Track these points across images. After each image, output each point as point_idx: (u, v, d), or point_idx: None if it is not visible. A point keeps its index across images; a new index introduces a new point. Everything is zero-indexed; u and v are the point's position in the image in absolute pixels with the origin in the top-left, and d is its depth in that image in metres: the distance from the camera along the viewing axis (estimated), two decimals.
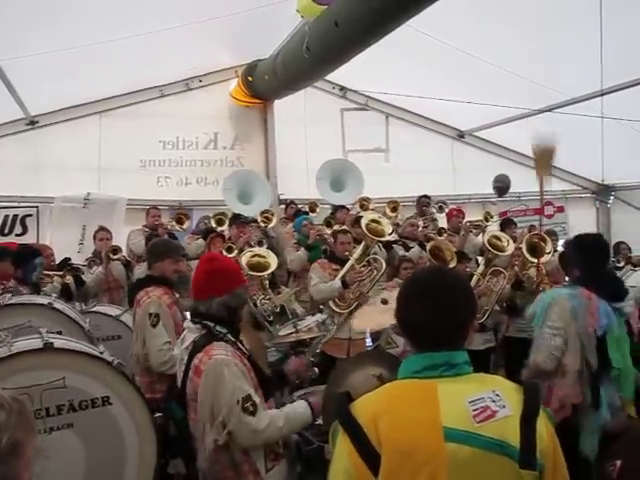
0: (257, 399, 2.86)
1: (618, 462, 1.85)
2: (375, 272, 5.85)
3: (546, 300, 3.85)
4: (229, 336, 3.03)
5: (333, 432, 1.82)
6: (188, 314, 3.43)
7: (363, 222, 6.09)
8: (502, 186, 8.77)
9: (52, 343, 2.94)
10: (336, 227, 7.46)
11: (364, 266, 5.86)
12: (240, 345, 3.08)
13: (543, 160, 5.78)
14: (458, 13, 7.04)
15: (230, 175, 8.88)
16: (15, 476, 1.29)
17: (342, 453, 1.72)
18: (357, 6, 5.58)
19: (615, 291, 3.86)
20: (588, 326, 3.63)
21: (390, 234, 6.26)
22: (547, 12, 6.95)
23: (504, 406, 1.71)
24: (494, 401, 1.71)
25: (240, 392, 2.80)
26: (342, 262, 5.93)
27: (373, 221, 6.20)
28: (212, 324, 3.04)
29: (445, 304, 1.83)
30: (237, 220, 7.35)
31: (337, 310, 5.67)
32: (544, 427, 1.73)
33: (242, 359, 2.97)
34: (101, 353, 3.19)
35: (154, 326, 4.16)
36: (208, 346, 2.92)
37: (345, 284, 5.69)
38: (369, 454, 1.67)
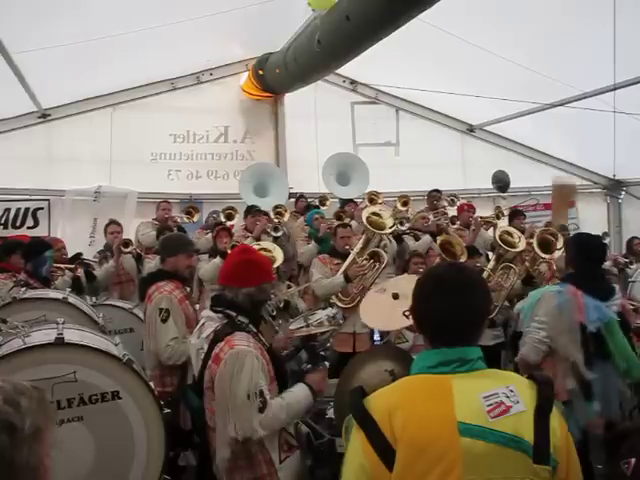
0: (268, 395, 2.89)
1: (632, 460, 1.85)
2: (377, 265, 5.87)
3: (534, 298, 3.98)
4: (251, 327, 3.07)
5: (347, 426, 1.82)
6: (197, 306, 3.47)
7: (364, 215, 6.11)
8: (501, 184, 8.76)
9: (63, 337, 2.98)
10: (346, 221, 7.46)
11: (366, 259, 5.88)
12: (260, 337, 3.10)
13: (562, 201, 5.78)
14: (469, 7, 7.02)
15: (248, 167, 8.92)
16: (38, 461, 1.31)
17: (357, 448, 1.73)
18: (369, 0, 5.57)
19: (602, 292, 3.94)
20: (574, 321, 3.71)
21: (391, 227, 6.28)
22: (559, 5, 6.91)
23: (518, 401, 1.72)
24: (508, 397, 1.72)
25: (255, 387, 2.84)
26: (343, 257, 5.95)
27: (374, 214, 6.22)
28: (234, 314, 3.08)
29: (461, 300, 1.83)
30: (252, 210, 7.37)
31: (341, 305, 5.68)
32: (557, 423, 1.74)
33: (262, 351, 3.00)
34: (116, 345, 3.21)
35: (164, 321, 4.19)
36: (230, 336, 2.96)
37: (348, 278, 5.71)
38: (384, 449, 1.68)
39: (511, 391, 1.73)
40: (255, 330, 3.12)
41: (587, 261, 4.01)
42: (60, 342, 2.94)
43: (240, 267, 3.18)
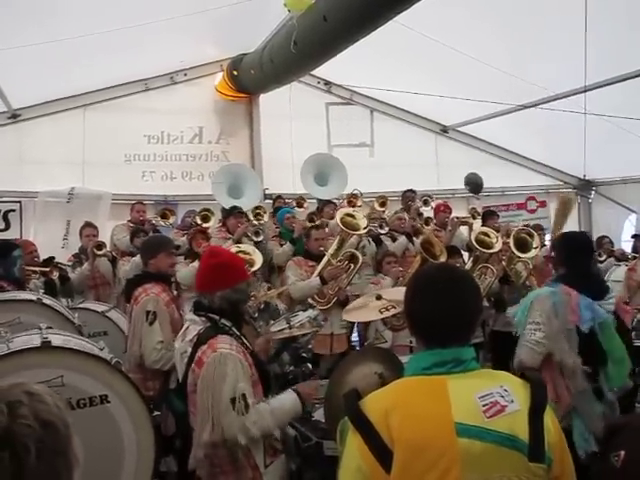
0: (251, 399, 2.87)
1: (622, 452, 1.88)
2: (352, 266, 5.89)
3: (528, 300, 3.85)
4: (234, 329, 3.06)
5: (342, 430, 1.82)
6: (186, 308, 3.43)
7: (338, 216, 6.14)
8: (473, 184, 8.84)
9: (50, 341, 2.93)
10: (318, 223, 7.47)
11: (341, 260, 5.90)
12: (244, 339, 3.09)
13: (562, 215, 5.84)
14: (443, 8, 7.05)
15: (220, 169, 8.86)
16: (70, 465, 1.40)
17: (353, 451, 1.73)
18: (346, 1, 5.59)
19: (597, 290, 3.85)
20: (568, 322, 3.62)
21: (365, 228, 6.30)
22: (531, 8, 6.99)
23: (512, 401, 1.74)
24: (503, 396, 1.74)
25: (237, 390, 2.82)
26: (317, 258, 5.97)
27: (348, 215, 6.25)
28: (217, 317, 3.06)
29: (454, 300, 1.85)
30: (234, 211, 7.33)
31: (317, 307, 5.67)
32: (551, 421, 1.77)
33: (245, 354, 2.99)
34: (101, 349, 3.17)
35: (150, 324, 4.17)
36: (213, 339, 2.94)
37: (324, 280, 5.72)
38: (381, 451, 1.69)
39: (505, 390, 1.76)
40: (238, 333, 3.10)
41: (578, 258, 3.90)
42: (47, 345, 2.89)
43: (210, 271, 3.15)
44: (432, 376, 1.80)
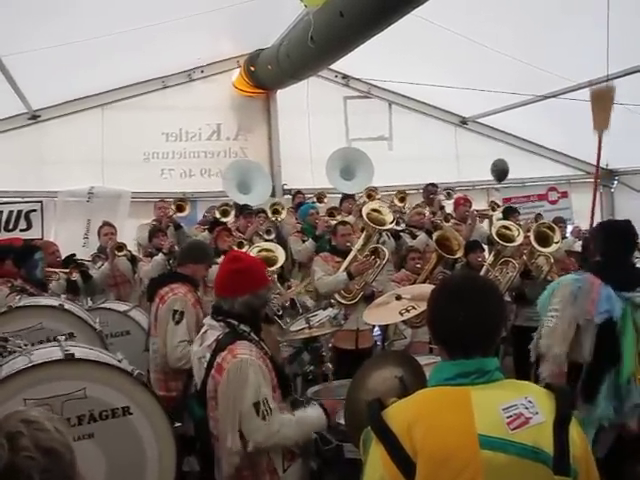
0: (273, 404, 2.86)
1: None
2: (379, 261, 5.87)
3: (551, 288, 3.73)
4: (253, 335, 3.05)
5: (365, 440, 1.81)
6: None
7: (364, 211, 6.11)
8: (499, 171, 8.69)
9: (73, 354, 2.94)
10: (339, 217, 7.46)
11: (367, 256, 5.88)
12: (263, 345, 3.08)
13: (601, 106, 5.40)
14: (461, 0, 6.98)
15: (230, 165, 8.89)
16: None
17: (377, 461, 1.72)
18: None
19: (626, 279, 3.62)
20: (585, 312, 3.47)
21: (391, 223, 6.28)
22: None
23: (537, 412, 1.71)
24: (527, 408, 1.71)
25: (259, 395, 2.81)
26: (344, 254, 5.95)
27: (374, 210, 6.23)
28: (236, 322, 3.05)
29: (478, 310, 1.83)
30: (244, 211, 7.34)
31: (343, 302, 5.71)
32: (576, 433, 1.74)
33: (265, 359, 2.98)
34: (119, 361, 3.18)
35: (177, 323, 4.21)
36: (232, 345, 2.93)
37: (350, 275, 5.71)
38: (404, 462, 1.67)
39: (530, 402, 1.73)
40: (257, 338, 3.09)
41: (613, 246, 3.71)
42: (70, 358, 2.90)
43: (232, 277, 3.13)
44: (455, 387, 1.78)
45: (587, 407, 3.46)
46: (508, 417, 1.68)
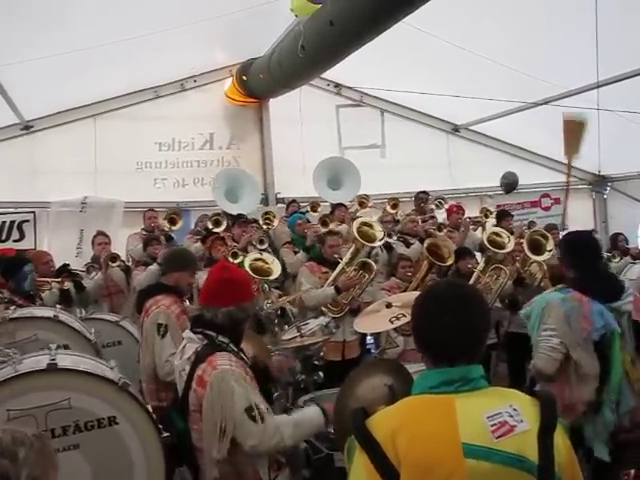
0: (263, 406, 2.85)
1: (632, 471, 1.85)
2: (367, 276, 5.87)
3: (541, 304, 3.74)
4: (231, 346, 3.02)
5: (349, 448, 1.80)
6: None
7: (354, 226, 6.11)
8: (509, 183, 8.73)
9: (56, 363, 2.91)
10: (332, 226, 7.46)
11: (355, 270, 5.88)
12: (242, 355, 3.07)
13: (573, 136, 5.51)
14: (451, 7, 7.00)
15: (219, 173, 8.91)
16: None
17: (360, 470, 1.72)
18: (352, 5, 5.56)
19: (610, 291, 3.72)
20: (582, 331, 3.53)
21: (381, 239, 6.28)
22: (542, 4, 6.93)
23: (522, 420, 1.70)
24: (512, 416, 1.71)
25: (247, 401, 2.79)
26: (331, 264, 5.94)
27: (365, 224, 6.21)
28: (214, 334, 3.02)
29: (463, 318, 1.82)
30: (239, 219, 7.35)
31: (330, 315, 5.65)
32: (561, 441, 1.73)
33: (245, 368, 2.96)
34: (112, 368, 3.16)
35: (162, 337, 4.16)
36: (211, 356, 2.90)
37: (338, 290, 5.72)
38: (388, 471, 1.66)
39: (514, 410, 1.72)
40: (236, 349, 3.06)
41: (584, 261, 3.78)
42: (53, 368, 2.87)
43: (219, 286, 3.10)
44: (440, 395, 1.77)
45: (595, 418, 3.51)
46: (492, 425, 1.68)
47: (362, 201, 8.15)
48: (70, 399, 2.84)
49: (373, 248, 6.38)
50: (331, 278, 5.80)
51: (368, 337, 6.64)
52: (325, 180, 8.80)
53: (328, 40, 6.19)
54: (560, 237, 7.53)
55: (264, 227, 7.61)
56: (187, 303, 4.74)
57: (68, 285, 6.32)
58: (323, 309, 5.67)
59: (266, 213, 7.86)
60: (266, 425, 2.79)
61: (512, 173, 8.65)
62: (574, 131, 5.42)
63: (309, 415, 3.00)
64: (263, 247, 6.82)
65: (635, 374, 3.67)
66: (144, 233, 7.52)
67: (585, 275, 3.74)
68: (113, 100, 9.10)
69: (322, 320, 4.64)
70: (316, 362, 4.33)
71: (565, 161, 10.87)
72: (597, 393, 3.53)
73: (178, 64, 9.01)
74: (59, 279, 6.35)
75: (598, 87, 7.09)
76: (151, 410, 3.18)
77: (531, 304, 3.87)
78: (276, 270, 5.56)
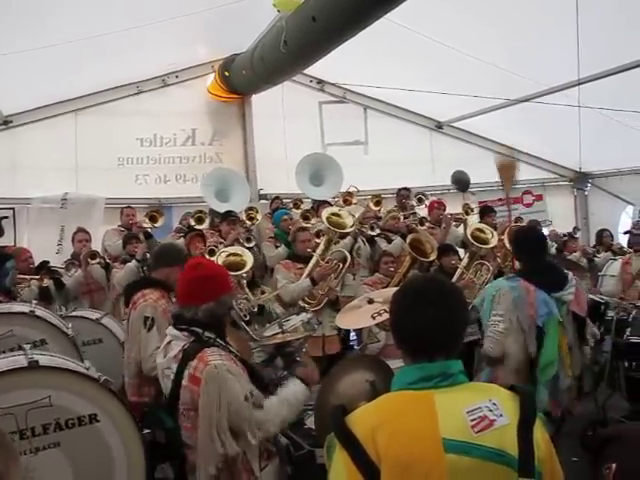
0: (257, 393, 2.89)
1: (614, 465, 1.86)
2: (341, 265, 5.88)
3: (490, 292, 4.07)
4: (219, 340, 3.01)
5: (329, 445, 1.79)
6: None
7: (324, 216, 6.13)
8: (460, 184, 8.74)
9: (37, 361, 2.87)
10: (313, 220, 7.46)
11: (329, 260, 5.88)
12: (231, 349, 3.06)
13: (506, 175, 5.92)
14: (434, 5, 7.02)
15: (210, 172, 8.83)
16: None
17: (340, 468, 1.71)
18: (334, 0, 5.55)
19: (554, 281, 4.04)
20: (528, 316, 3.83)
21: (352, 226, 6.34)
22: (525, 3, 6.96)
23: (501, 415, 1.71)
24: (491, 410, 1.71)
25: (244, 390, 2.81)
26: (305, 260, 5.94)
27: (334, 214, 6.25)
28: (201, 330, 3.00)
29: (442, 313, 1.82)
30: (228, 217, 7.33)
31: (308, 308, 5.66)
32: (540, 435, 1.74)
33: (235, 361, 2.96)
34: (87, 369, 3.12)
35: (149, 330, 4.12)
36: (201, 353, 2.87)
37: (313, 281, 5.71)
38: (368, 468, 1.66)
39: (494, 404, 1.72)
40: (224, 343, 3.04)
41: (530, 254, 4.14)
42: (34, 365, 2.83)
43: (194, 284, 3.07)
44: (419, 391, 1.76)
45: None
46: (472, 420, 1.68)
47: (347, 198, 8.14)
48: (51, 397, 2.81)
49: (356, 242, 6.38)
50: (306, 271, 5.81)
51: (352, 333, 6.66)
52: (307, 176, 8.77)
53: (310, 36, 6.19)
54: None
55: (247, 222, 7.57)
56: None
57: (47, 282, 6.27)
58: (301, 303, 5.65)
59: (249, 209, 7.82)
60: (265, 410, 2.85)
61: (461, 171, 8.66)
62: (507, 171, 5.82)
63: (293, 391, 3.04)
64: (250, 245, 6.79)
65: (568, 360, 4.05)
66: (122, 229, 7.48)
67: (531, 266, 4.12)
68: (94, 95, 9.00)
69: (304, 316, 4.63)
70: (298, 358, 4.32)
71: (547, 157, 11.17)
72: (533, 374, 3.89)
73: (160, 59, 8.93)
74: (38, 276, 6.29)
75: (579, 84, 7.14)
76: (132, 405, 3.16)
77: (482, 295, 4.22)
78: (249, 262, 5.51)
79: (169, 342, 3.09)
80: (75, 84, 8.52)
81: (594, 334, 4.55)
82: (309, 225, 7.04)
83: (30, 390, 2.80)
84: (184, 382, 2.88)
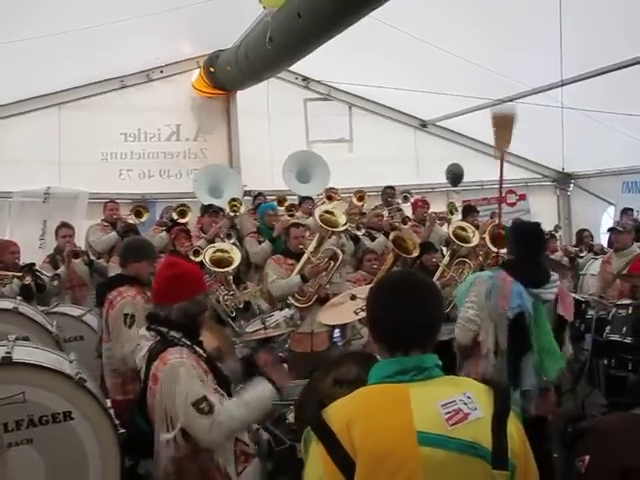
0: (213, 399, 2.80)
1: (586, 457, 1.89)
2: (332, 263, 5.88)
3: (469, 280, 4.09)
4: (184, 340, 2.98)
5: (306, 439, 1.80)
6: None
7: (317, 213, 6.12)
8: (454, 175, 8.77)
9: (11, 357, 2.85)
10: (298, 215, 7.45)
11: (320, 258, 5.89)
12: (197, 348, 3.03)
13: (503, 129, 5.66)
14: (420, 4, 7.05)
15: (202, 169, 8.87)
16: None
17: (317, 461, 1.71)
18: None
19: (534, 277, 3.96)
20: (498, 307, 3.78)
21: (344, 225, 6.31)
22: (508, 3, 7.00)
23: (476, 408, 1.72)
24: (466, 403, 1.72)
25: (194, 394, 2.75)
26: (297, 256, 5.94)
27: (327, 212, 6.25)
28: (165, 330, 2.99)
29: (418, 307, 1.84)
30: (209, 209, 7.32)
31: (298, 305, 5.68)
32: (515, 428, 1.76)
33: (199, 362, 2.93)
34: (71, 362, 3.10)
35: (129, 327, 4.10)
36: (163, 353, 2.87)
37: (304, 278, 5.71)
38: (344, 461, 1.66)
39: (468, 397, 1.74)
40: (189, 343, 3.00)
41: (522, 247, 4.07)
42: (7, 361, 2.81)
43: (168, 283, 3.07)
44: (394, 384, 1.78)
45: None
46: (447, 413, 1.69)
47: (330, 195, 8.15)
48: (24, 393, 2.80)
49: (341, 238, 6.40)
50: (297, 268, 5.79)
51: (336, 330, 6.67)
52: (294, 173, 8.79)
53: (296, 32, 6.17)
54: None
55: (231, 214, 7.54)
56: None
57: (29, 280, 6.21)
58: (290, 300, 5.65)
59: (233, 200, 7.79)
60: (214, 415, 2.74)
61: (456, 165, 8.69)
62: (504, 124, 5.54)
63: (256, 390, 2.96)
64: (231, 241, 6.78)
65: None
66: (105, 224, 7.45)
67: (517, 259, 4.09)
68: (78, 89, 8.96)
69: (287, 312, 4.65)
70: (280, 354, 4.34)
71: (530, 158, 11.22)
72: (511, 367, 3.80)
73: (144, 54, 8.90)
74: (20, 274, 6.22)
75: (562, 85, 7.21)
76: (117, 404, 3.15)
77: (462, 285, 4.24)
78: (236, 258, 5.50)
79: (139, 343, 3.09)
80: (59, 78, 8.48)
81: (568, 353, 4.30)
82: (302, 221, 7.02)
83: (4, 386, 2.79)
84: (149, 382, 2.89)
